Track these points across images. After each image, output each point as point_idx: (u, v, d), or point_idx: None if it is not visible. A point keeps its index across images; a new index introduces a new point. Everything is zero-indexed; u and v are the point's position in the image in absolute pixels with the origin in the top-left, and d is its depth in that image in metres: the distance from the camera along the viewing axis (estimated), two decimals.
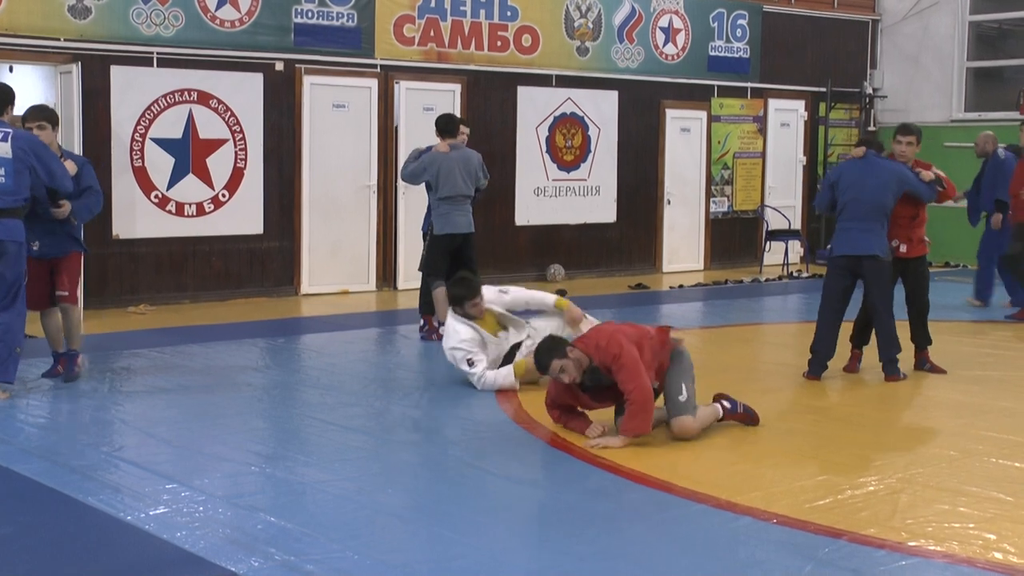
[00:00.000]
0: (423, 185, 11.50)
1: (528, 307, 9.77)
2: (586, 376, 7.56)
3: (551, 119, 16.24)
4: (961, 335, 11.68)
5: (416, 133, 13.99)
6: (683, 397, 7.58)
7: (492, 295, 9.49)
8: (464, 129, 11.55)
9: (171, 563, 5.46)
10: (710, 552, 5.83)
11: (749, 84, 18.25)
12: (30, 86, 14.87)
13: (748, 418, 7.92)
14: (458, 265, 11.38)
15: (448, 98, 15.21)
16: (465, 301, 9.18)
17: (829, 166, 18.50)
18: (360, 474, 6.94)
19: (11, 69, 14.80)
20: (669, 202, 17.48)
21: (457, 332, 9.21)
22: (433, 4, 15.02)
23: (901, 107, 19.28)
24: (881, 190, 9.40)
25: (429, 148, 11.39)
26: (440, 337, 11.08)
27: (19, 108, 15.14)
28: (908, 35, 19.50)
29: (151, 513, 6.10)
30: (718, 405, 7.84)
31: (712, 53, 17.80)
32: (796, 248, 18.19)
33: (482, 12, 15.41)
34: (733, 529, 6.07)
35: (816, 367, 9.61)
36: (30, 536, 5.84)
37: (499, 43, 15.62)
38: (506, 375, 9.04)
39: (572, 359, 7.49)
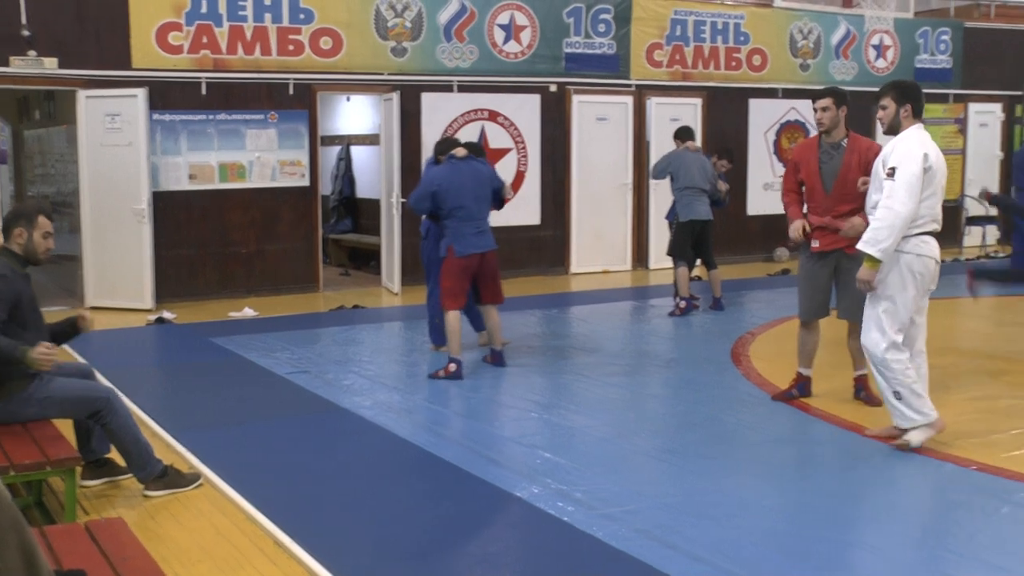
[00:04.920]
0: (668, 183, 11.31)
1: None
2: (827, 148, 7.01)
3: (778, 125, 15.87)
4: None
5: (664, 139, 13.83)
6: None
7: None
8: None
9: (472, 490, 5.61)
10: (916, 492, 5.62)
11: (951, 91, 17.35)
12: (361, 111, 15.46)
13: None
14: (698, 250, 11.19)
15: (691, 111, 15.00)
16: None
17: None
18: (618, 421, 6.96)
19: (348, 99, 15.45)
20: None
21: None
22: (679, 32, 14.84)
23: None
24: None
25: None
26: (680, 312, 10.92)
27: (355, 128, 15.94)
28: None
29: (452, 450, 6.29)
30: None
31: (918, 65, 16.99)
32: (993, 232, 17.26)
33: (719, 38, 15.14)
34: (937, 474, 5.83)
35: None
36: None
37: (733, 63, 15.32)
38: None
39: (839, 112, 6.93)
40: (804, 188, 7.23)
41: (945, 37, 17.23)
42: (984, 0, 17.94)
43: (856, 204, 6.91)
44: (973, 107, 17.62)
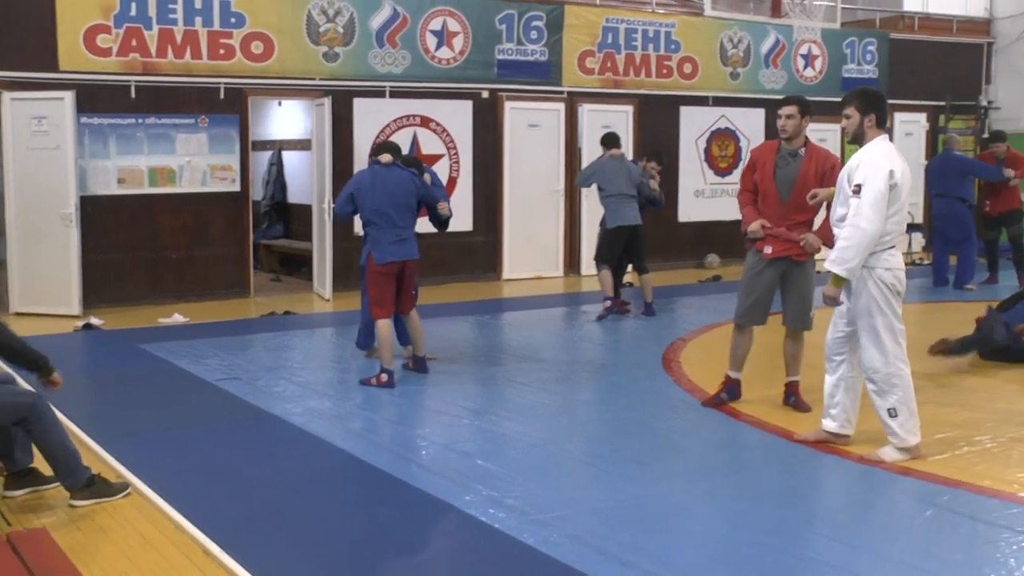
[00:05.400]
0: (596, 191, 11.41)
1: None
2: (785, 155, 7.04)
3: (708, 133, 16.03)
4: None
5: (596, 146, 13.88)
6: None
7: None
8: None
9: (404, 497, 5.58)
10: (845, 496, 5.70)
11: None
12: (293, 115, 15.35)
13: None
14: (630, 255, 11.25)
15: (622, 118, 15.10)
16: None
17: None
18: (550, 427, 6.98)
19: (280, 103, 15.33)
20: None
21: None
22: (610, 40, 14.93)
23: (1013, 116, 18.39)
24: None
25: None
26: (605, 313, 11.01)
27: (287, 133, 15.83)
28: (1020, 54, 18.55)
29: (384, 457, 6.26)
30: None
31: (846, 75, 17.28)
32: (919, 239, 17.58)
33: (650, 45, 15.26)
34: (865, 478, 5.92)
35: None
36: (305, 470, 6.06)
37: (665, 71, 15.45)
38: None
39: (802, 121, 6.97)
40: (758, 191, 7.22)
41: (871, 48, 17.54)
42: (908, 12, 18.30)
43: (811, 215, 7.04)
44: (899, 116, 17.92)
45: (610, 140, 11.32)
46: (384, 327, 8.13)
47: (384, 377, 8.03)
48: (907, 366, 6.16)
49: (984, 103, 18.80)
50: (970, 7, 18.94)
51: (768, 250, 7.12)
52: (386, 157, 8.33)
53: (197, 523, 5.03)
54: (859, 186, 5.93)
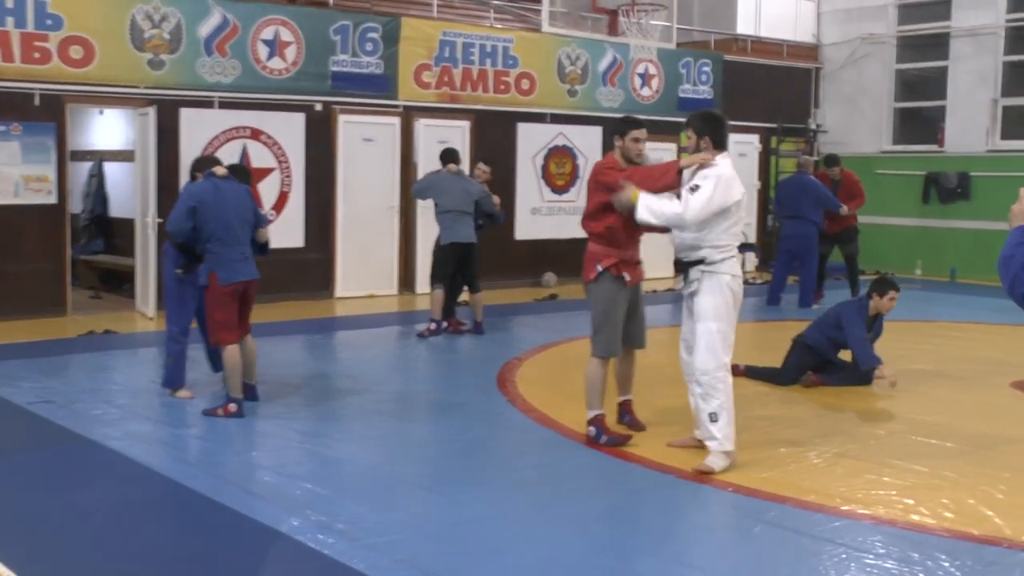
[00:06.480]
0: (431, 207, 11.47)
1: None
2: None
3: (546, 150, 16.24)
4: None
5: (432, 162, 13.92)
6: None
7: None
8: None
9: (227, 524, 5.46)
10: (676, 514, 5.84)
11: None
12: (116, 125, 14.90)
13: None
14: (463, 273, 11.29)
15: (459, 133, 15.17)
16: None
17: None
18: (383, 449, 6.95)
19: (101, 112, 14.85)
20: None
21: None
22: (447, 54, 15.01)
23: (840, 140, 19.26)
24: None
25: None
26: (429, 334, 11.02)
27: (109, 143, 15.34)
28: (846, 80, 19.51)
29: (207, 482, 6.12)
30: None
31: (682, 95, 17.78)
32: (752, 259, 18.19)
33: (488, 60, 15.40)
34: (695, 496, 6.08)
35: None
36: (125, 505, 5.86)
37: (502, 86, 15.60)
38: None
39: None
40: (609, 216, 7.00)
41: (706, 68, 18.11)
42: (741, 35, 18.97)
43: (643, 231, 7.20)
44: (733, 137, 18.25)
45: (448, 155, 11.36)
46: (234, 353, 7.78)
47: (232, 407, 7.69)
48: (730, 376, 6.52)
49: (813, 126, 19.65)
50: (799, 33, 19.79)
51: (627, 277, 7.19)
52: (222, 169, 7.98)
53: (3, 559, 4.81)
54: (697, 186, 6.40)
